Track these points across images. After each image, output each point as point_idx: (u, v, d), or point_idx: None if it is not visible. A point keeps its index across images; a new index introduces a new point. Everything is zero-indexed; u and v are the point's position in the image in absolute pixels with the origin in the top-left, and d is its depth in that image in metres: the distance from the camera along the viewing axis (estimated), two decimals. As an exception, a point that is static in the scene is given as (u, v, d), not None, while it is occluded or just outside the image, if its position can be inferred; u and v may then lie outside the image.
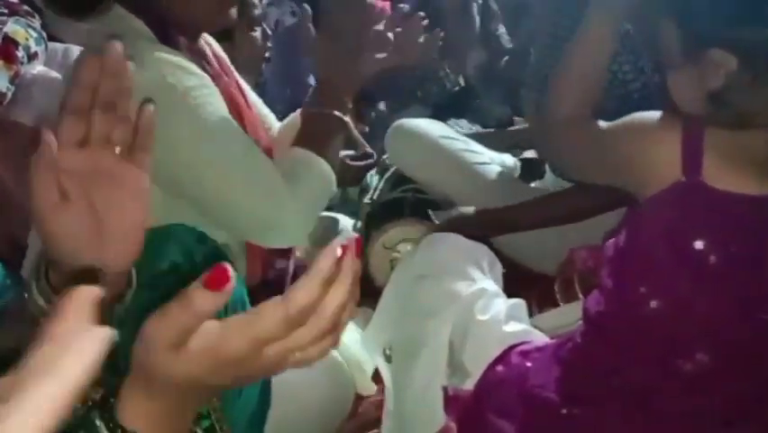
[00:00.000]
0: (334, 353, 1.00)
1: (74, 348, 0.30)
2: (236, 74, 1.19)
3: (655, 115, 0.74)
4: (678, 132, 0.70)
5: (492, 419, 0.78)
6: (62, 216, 0.51)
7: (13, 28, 1.50)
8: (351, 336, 1.07)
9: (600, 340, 0.75)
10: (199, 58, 1.05)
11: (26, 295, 0.58)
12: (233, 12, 1.03)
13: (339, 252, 0.40)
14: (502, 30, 2.38)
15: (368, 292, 1.35)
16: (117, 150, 0.53)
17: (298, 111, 1.16)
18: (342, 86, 1.03)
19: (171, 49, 0.94)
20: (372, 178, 1.70)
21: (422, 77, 2.16)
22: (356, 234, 0.94)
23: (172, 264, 0.81)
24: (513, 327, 0.85)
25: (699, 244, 0.67)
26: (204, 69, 0.99)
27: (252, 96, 1.22)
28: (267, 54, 2.32)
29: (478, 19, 2.32)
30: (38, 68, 1.56)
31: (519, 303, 0.92)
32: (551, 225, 1.26)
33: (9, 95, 1.47)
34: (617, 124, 0.78)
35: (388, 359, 0.92)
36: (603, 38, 0.81)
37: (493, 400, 0.79)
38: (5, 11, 1.54)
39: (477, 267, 0.95)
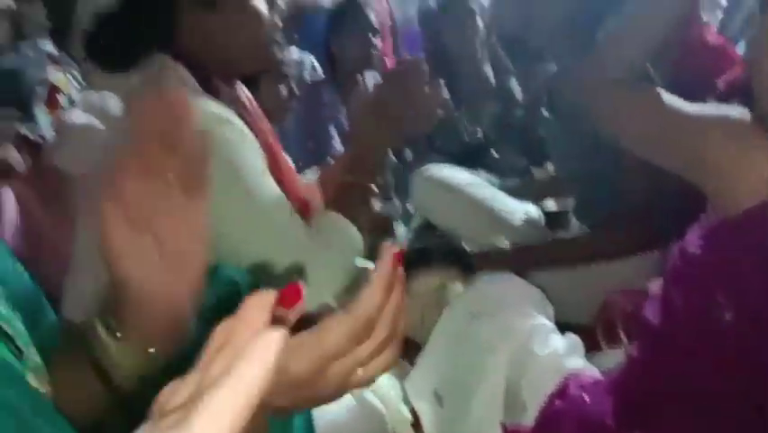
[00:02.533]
0: (371, 396, 1.00)
1: (253, 353, 0.30)
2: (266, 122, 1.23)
3: (753, 121, 0.71)
4: None
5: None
6: (130, 246, 0.53)
7: (57, 77, 1.57)
8: (386, 381, 1.07)
9: (662, 350, 0.74)
10: (237, 105, 1.08)
11: (84, 336, 0.58)
12: (275, 51, 1.07)
13: (394, 256, 0.42)
14: (514, 83, 2.46)
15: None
16: (176, 182, 0.54)
17: (332, 165, 1.20)
18: (381, 158, 1.08)
19: (212, 98, 0.97)
20: (398, 226, 1.73)
21: (440, 127, 2.22)
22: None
23: (219, 298, 0.83)
24: (573, 361, 0.86)
25: None
26: (242, 116, 1.01)
27: None
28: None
29: (491, 72, 2.40)
30: (78, 115, 1.62)
31: (576, 340, 0.93)
32: (580, 264, 1.29)
33: (50, 140, 1.51)
34: (707, 117, 0.74)
35: (440, 400, 0.92)
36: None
37: (553, 433, 0.79)
38: (49, 61, 1.61)
39: (531, 304, 0.97)
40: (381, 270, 0.42)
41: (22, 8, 1.61)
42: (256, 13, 1.00)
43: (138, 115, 0.52)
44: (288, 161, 1.23)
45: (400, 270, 0.43)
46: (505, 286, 1.03)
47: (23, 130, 1.46)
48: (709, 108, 0.78)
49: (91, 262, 0.92)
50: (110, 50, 1.00)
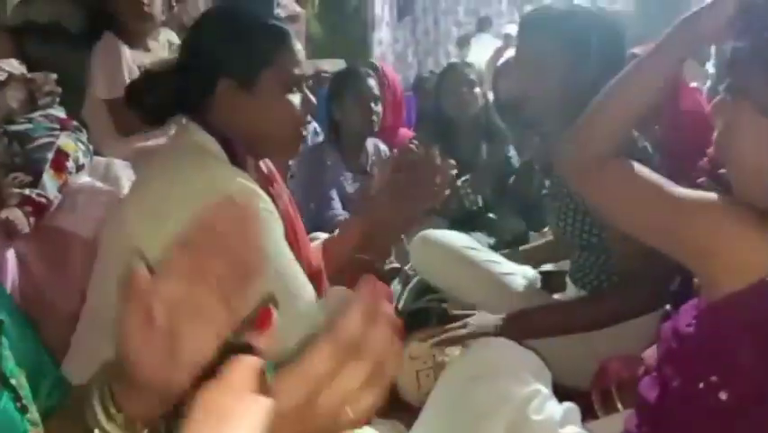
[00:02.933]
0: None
1: (239, 419, 0.30)
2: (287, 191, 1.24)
3: (740, 204, 0.71)
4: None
5: None
6: (144, 336, 0.53)
7: (65, 141, 1.61)
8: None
9: (659, 426, 0.73)
10: (263, 178, 1.11)
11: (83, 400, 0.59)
12: (300, 142, 1.10)
13: (376, 287, 0.43)
14: (512, 152, 2.52)
15: (395, 405, 1.34)
16: (216, 290, 0.53)
17: (339, 235, 1.24)
18: (394, 240, 1.12)
19: (240, 170, 0.99)
20: (395, 287, 1.73)
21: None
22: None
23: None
24: (569, 429, 0.85)
25: None
26: (265, 188, 1.04)
27: None
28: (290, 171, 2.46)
29: (487, 139, 2.46)
30: (83, 178, 1.65)
31: (573, 407, 0.92)
32: (577, 331, 1.28)
33: (56, 202, 1.54)
34: (693, 198, 0.74)
35: (436, 463, 0.91)
36: (667, 65, 0.79)
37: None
38: (58, 126, 1.66)
39: (528, 370, 0.96)
40: (359, 297, 0.42)
41: (35, 75, 1.67)
42: (290, 107, 1.04)
43: (204, 219, 0.52)
44: (303, 228, 1.25)
45: (386, 305, 0.43)
46: (502, 350, 1.03)
47: (30, 192, 1.49)
48: (687, 191, 0.77)
49: (101, 329, 0.92)
50: (148, 104, 1.05)
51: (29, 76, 1.68)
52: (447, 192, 1.16)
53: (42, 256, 1.51)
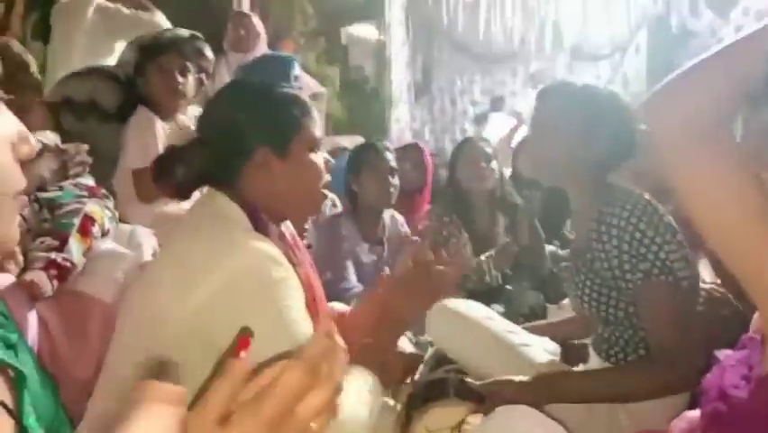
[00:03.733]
0: None
1: None
2: (308, 255, 1.27)
3: None
4: None
5: None
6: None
7: (92, 208, 1.66)
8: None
9: None
10: (285, 245, 1.15)
11: None
12: (321, 207, 1.16)
13: (337, 313, 0.49)
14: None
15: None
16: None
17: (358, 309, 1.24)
18: (385, 352, 1.10)
19: (263, 237, 1.03)
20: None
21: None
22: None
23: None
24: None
25: None
26: (287, 253, 1.07)
27: None
28: (307, 241, 2.49)
29: (501, 218, 2.48)
30: (108, 243, 1.69)
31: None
32: (602, 401, 1.25)
33: (80, 266, 1.57)
34: None
35: None
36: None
37: None
38: (87, 194, 1.71)
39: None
40: (324, 323, 0.50)
41: (68, 146, 1.75)
42: (317, 166, 1.12)
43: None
44: (323, 296, 1.26)
45: (335, 334, 0.50)
46: (524, 420, 1.01)
47: (56, 256, 1.52)
48: None
49: (117, 396, 0.92)
50: (176, 178, 1.09)
51: (62, 147, 1.76)
52: (465, 270, 1.18)
53: (63, 320, 1.52)
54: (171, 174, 1.09)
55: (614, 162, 1.41)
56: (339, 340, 0.51)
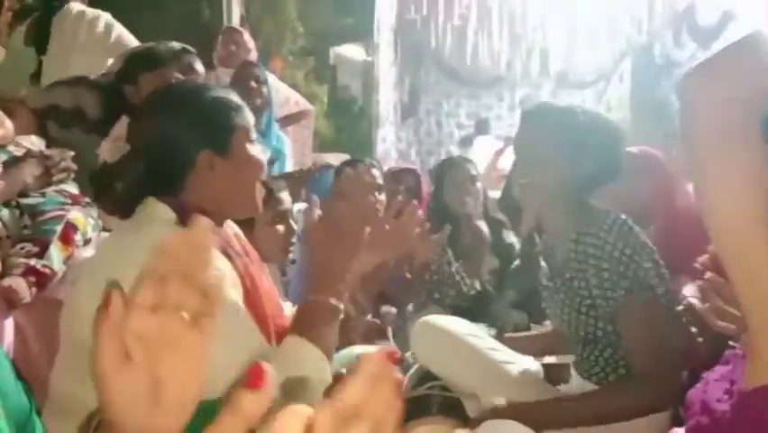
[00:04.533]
0: None
1: None
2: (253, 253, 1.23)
3: None
4: None
5: None
6: (123, 377, 0.52)
7: (75, 215, 1.64)
8: None
9: None
10: (221, 239, 1.12)
11: None
12: (260, 202, 1.14)
13: (386, 354, 0.42)
14: (513, 238, 2.53)
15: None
16: (186, 317, 0.53)
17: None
18: (338, 275, 1.07)
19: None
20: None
21: (439, 280, 2.26)
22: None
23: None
24: None
25: None
26: (225, 252, 1.08)
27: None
28: (291, 255, 2.47)
29: (486, 228, 2.49)
30: (89, 252, 1.67)
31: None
32: (584, 425, 1.24)
33: (60, 274, 1.55)
34: None
35: None
36: None
37: None
38: (70, 201, 1.69)
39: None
40: (369, 363, 0.42)
41: (52, 152, 1.73)
42: (257, 160, 1.12)
43: (163, 251, 0.53)
44: (275, 290, 1.24)
45: (392, 369, 0.43)
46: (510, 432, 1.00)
47: (36, 263, 1.50)
48: None
49: (63, 416, 0.90)
50: (117, 194, 1.08)
51: (46, 152, 1.74)
52: (412, 237, 1.17)
53: (39, 328, 1.49)
54: (111, 190, 1.08)
55: (600, 183, 1.42)
56: (391, 372, 0.43)
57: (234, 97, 1.14)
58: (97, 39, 2.62)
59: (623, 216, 1.33)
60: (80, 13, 2.65)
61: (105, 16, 2.66)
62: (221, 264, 1.00)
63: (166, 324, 0.52)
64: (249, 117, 1.14)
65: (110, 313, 0.52)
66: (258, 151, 1.13)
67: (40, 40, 2.69)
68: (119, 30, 2.65)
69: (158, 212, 1.04)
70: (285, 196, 1.93)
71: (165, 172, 1.07)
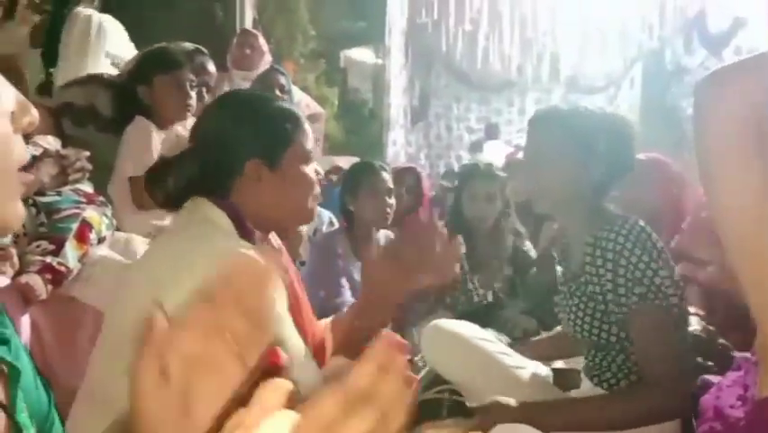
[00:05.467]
0: None
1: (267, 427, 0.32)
2: (293, 266, 1.27)
3: None
4: None
5: None
6: (157, 393, 0.52)
7: (90, 214, 1.66)
8: None
9: None
10: (271, 250, 1.15)
11: None
12: (313, 217, 1.16)
13: (392, 340, 0.43)
14: (528, 245, 2.52)
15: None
16: (231, 347, 0.53)
17: (345, 313, 1.24)
18: (391, 306, 1.12)
19: (248, 243, 1.03)
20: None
21: (450, 285, 2.25)
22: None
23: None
24: None
25: None
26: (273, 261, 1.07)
27: None
28: (301, 259, 2.48)
29: (511, 239, 2.46)
30: (103, 251, 1.68)
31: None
32: (594, 430, 1.24)
33: (75, 271, 1.56)
34: None
35: None
36: None
37: None
38: (85, 200, 1.71)
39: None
40: (377, 349, 0.43)
41: (68, 152, 1.75)
42: (308, 178, 1.13)
43: (226, 275, 0.54)
44: (307, 300, 1.26)
45: (400, 358, 0.44)
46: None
47: (51, 260, 1.51)
48: None
49: (98, 406, 0.91)
50: (168, 189, 1.09)
51: (62, 152, 1.76)
52: (457, 269, 1.17)
53: (54, 325, 1.51)
54: (163, 185, 1.09)
55: (614, 181, 1.42)
56: (400, 359, 0.44)
57: (297, 113, 1.15)
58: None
59: (641, 223, 1.33)
60: (87, 17, 2.68)
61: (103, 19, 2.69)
62: (279, 292, 0.99)
63: (212, 348, 0.52)
64: (308, 135, 1.14)
65: (154, 328, 0.53)
66: (311, 171, 1.14)
67: (48, 50, 2.72)
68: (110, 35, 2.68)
69: (214, 217, 1.04)
70: None
71: (214, 174, 1.07)
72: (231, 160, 1.07)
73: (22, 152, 0.60)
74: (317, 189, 1.16)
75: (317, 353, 1.09)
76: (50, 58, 2.83)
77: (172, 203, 1.10)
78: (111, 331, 1.03)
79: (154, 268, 1.00)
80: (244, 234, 1.05)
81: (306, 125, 1.15)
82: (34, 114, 0.62)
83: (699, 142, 0.78)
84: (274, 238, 1.22)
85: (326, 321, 1.31)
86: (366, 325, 1.12)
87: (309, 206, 1.14)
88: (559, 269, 1.55)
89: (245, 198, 1.07)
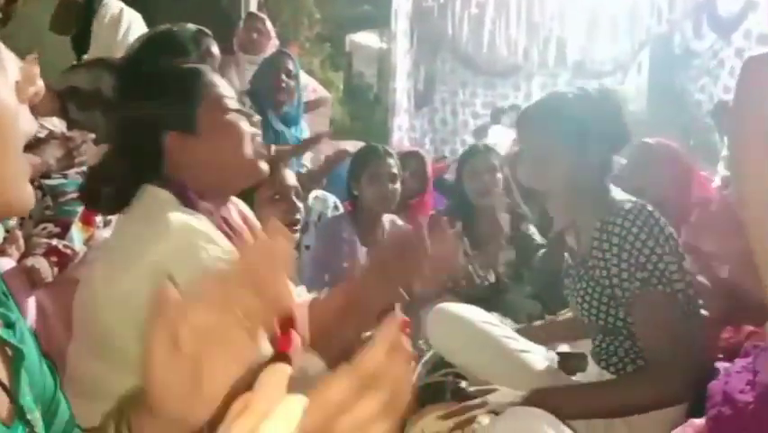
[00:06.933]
0: None
1: (278, 416, 0.32)
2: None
3: None
4: None
5: None
6: (170, 364, 0.53)
7: (96, 197, 1.65)
8: None
9: None
10: (221, 219, 1.08)
11: None
12: (261, 164, 1.08)
13: (400, 323, 0.45)
14: (533, 229, 2.51)
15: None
16: (242, 321, 0.54)
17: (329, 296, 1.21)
18: (373, 315, 1.09)
19: (194, 212, 0.99)
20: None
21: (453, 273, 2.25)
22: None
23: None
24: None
25: None
26: (222, 230, 1.03)
27: None
28: (307, 243, 2.48)
29: (507, 219, 2.47)
30: (109, 232, 1.69)
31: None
32: (601, 416, 1.24)
33: (80, 254, 1.57)
34: None
35: None
36: None
37: None
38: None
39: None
40: (385, 333, 0.45)
41: (74, 134, 1.75)
42: (235, 128, 1.05)
43: (244, 255, 0.55)
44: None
45: (403, 338, 0.45)
46: (533, 420, 1.00)
47: (57, 243, 1.52)
48: None
49: (80, 396, 0.92)
50: (109, 196, 1.05)
51: (68, 134, 1.76)
52: (457, 265, 1.16)
53: (60, 307, 1.51)
54: (103, 193, 1.05)
55: (612, 156, 1.41)
56: (404, 343, 0.45)
57: (194, 67, 1.08)
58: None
59: (649, 207, 1.32)
60: (117, 13, 2.66)
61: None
62: (206, 230, 0.97)
63: (224, 323, 0.53)
64: (218, 84, 1.06)
65: (166, 302, 0.53)
66: (234, 117, 1.06)
67: (78, 38, 2.70)
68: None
69: (156, 194, 1.01)
70: (288, 172, 1.89)
71: (142, 164, 1.03)
72: (148, 143, 1.03)
73: (30, 123, 0.60)
74: (249, 137, 1.07)
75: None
76: (80, 45, 2.81)
77: (117, 207, 1.07)
78: (80, 323, 1.05)
79: (107, 256, 1.02)
80: (188, 204, 1.01)
81: (211, 74, 1.07)
82: (40, 84, 0.61)
83: (737, 127, 0.77)
84: (234, 205, 1.16)
85: (305, 300, 1.28)
86: (348, 330, 1.09)
87: (247, 155, 1.06)
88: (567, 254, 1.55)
89: (181, 171, 1.03)
